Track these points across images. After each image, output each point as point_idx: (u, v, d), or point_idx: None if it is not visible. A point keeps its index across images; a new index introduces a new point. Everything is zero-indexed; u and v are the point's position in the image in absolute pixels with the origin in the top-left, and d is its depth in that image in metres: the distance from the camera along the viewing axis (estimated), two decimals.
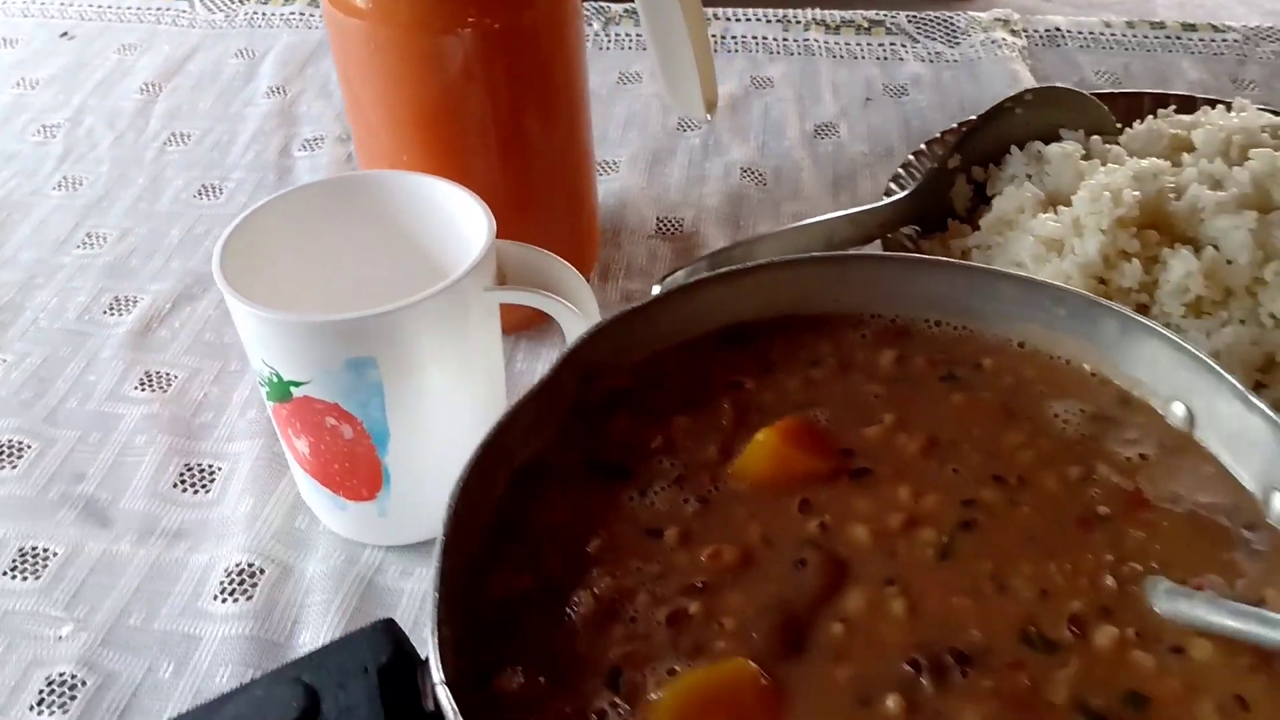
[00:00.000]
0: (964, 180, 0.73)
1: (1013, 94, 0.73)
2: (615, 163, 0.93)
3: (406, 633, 0.41)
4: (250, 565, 0.61)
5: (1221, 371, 0.46)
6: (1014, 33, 1.07)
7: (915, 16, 1.10)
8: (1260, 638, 0.38)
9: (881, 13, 1.10)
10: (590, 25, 1.08)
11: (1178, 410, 0.49)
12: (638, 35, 1.06)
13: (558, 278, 0.58)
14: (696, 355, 0.54)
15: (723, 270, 0.55)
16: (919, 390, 0.52)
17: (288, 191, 0.62)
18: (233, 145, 0.97)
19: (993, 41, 1.05)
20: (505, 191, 0.67)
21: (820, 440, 0.49)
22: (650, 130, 0.98)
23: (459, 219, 0.60)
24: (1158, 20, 1.08)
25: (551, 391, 0.49)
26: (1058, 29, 1.08)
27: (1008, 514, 0.46)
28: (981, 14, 1.09)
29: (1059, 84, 0.78)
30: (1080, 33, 1.08)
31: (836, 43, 1.07)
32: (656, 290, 0.55)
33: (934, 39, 1.05)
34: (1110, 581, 0.43)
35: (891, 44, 1.05)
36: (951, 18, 1.09)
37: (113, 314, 0.80)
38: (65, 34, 1.15)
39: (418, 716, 0.37)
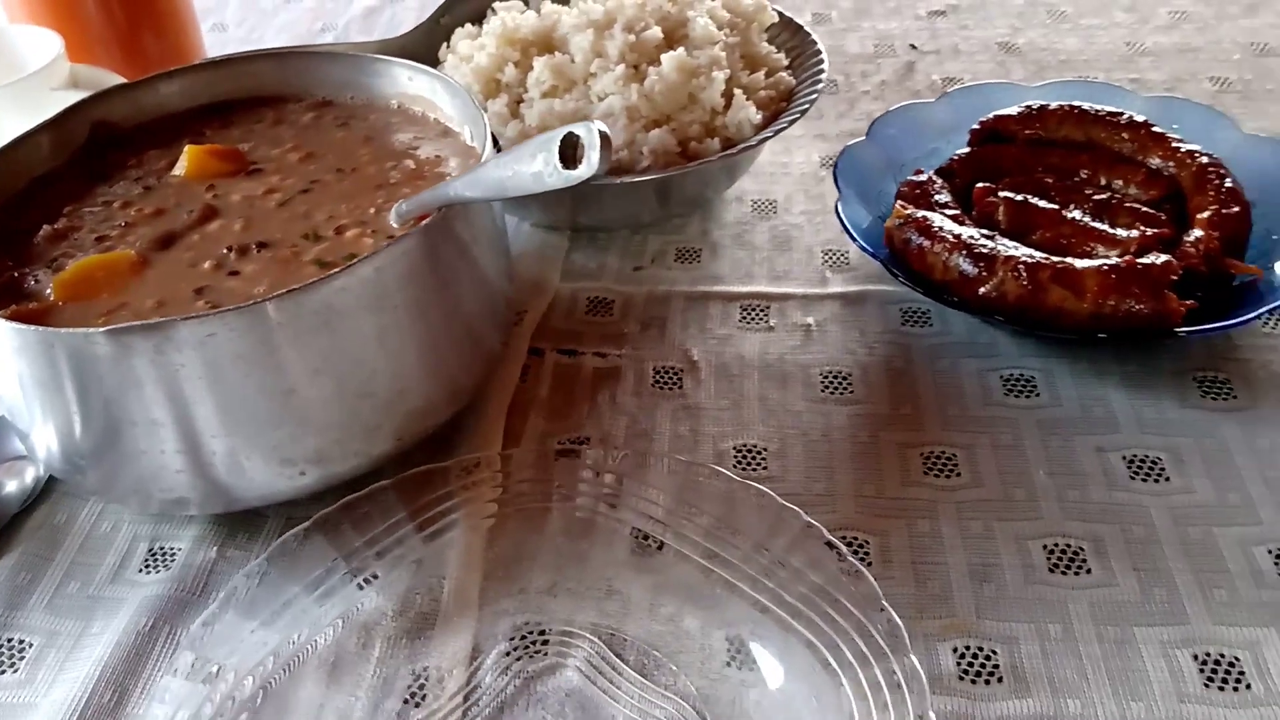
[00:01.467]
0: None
1: None
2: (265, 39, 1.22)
3: None
4: None
5: (476, 105, 0.75)
6: None
7: None
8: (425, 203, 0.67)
9: None
10: None
11: (467, 132, 0.78)
12: None
13: (94, 80, 0.87)
14: (181, 118, 0.83)
15: (204, 62, 0.84)
16: (319, 132, 0.81)
17: None
18: None
19: None
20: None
21: (235, 156, 0.78)
22: (299, 34, 1.27)
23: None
24: None
25: (64, 132, 0.78)
26: None
27: (335, 186, 0.75)
28: None
29: None
30: None
31: None
32: None
33: None
34: (373, 212, 0.72)
35: None
36: None
37: None
38: None
39: None
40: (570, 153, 0.51)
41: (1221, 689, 0.56)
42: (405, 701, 0.57)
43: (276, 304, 0.57)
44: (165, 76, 0.82)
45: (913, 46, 1.18)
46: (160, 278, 0.66)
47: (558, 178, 0.51)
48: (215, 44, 1.16)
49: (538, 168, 0.53)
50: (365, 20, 1.29)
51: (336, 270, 0.59)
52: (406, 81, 0.80)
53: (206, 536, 0.67)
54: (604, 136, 0.49)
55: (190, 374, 0.58)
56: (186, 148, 0.76)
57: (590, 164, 0.49)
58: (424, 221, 0.63)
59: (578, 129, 0.50)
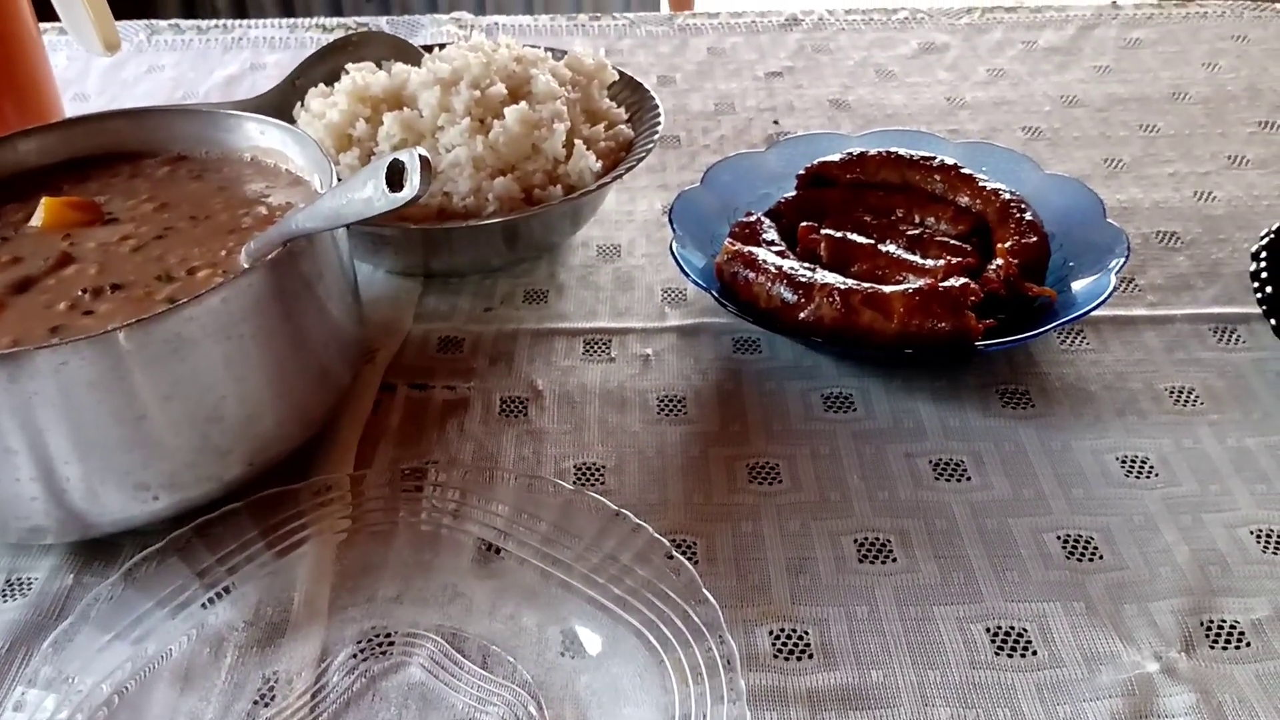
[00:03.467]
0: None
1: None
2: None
3: None
4: None
5: (324, 154, 0.80)
6: (461, 26, 1.44)
7: (394, 19, 1.46)
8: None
9: (365, 20, 1.46)
10: None
11: (316, 180, 0.83)
12: None
13: None
14: (39, 174, 0.86)
15: (61, 120, 0.88)
16: (174, 184, 0.85)
17: None
18: None
19: (444, 31, 1.42)
20: None
21: (91, 207, 0.81)
22: (160, 102, 1.30)
23: None
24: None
25: None
26: (495, 24, 1.46)
27: (189, 231, 0.79)
28: (441, 15, 1.47)
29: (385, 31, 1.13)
30: (512, 26, 1.46)
31: (325, 38, 1.42)
32: None
33: (399, 31, 1.41)
34: (224, 254, 0.76)
35: None
36: (419, 19, 1.46)
37: None
38: None
39: None
40: (397, 178, 0.56)
41: (1010, 656, 0.62)
42: (255, 703, 0.60)
43: (127, 333, 0.61)
44: (23, 135, 0.85)
45: (775, 122, 1.25)
46: (16, 319, 0.69)
47: (385, 200, 0.56)
48: (76, 112, 1.19)
49: (368, 193, 0.58)
50: (226, 88, 1.33)
51: (185, 301, 0.62)
52: (258, 135, 0.85)
53: (63, 565, 0.69)
54: (424, 160, 0.54)
55: (43, 402, 0.61)
56: (43, 200, 0.79)
57: (412, 185, 0.55)
58: (269, 256, 0.67)
59: (401, 155, 0.56)
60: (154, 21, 1.47)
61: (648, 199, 1.07)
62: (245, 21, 1.48)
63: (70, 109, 1.16)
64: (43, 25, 1.08)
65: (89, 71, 1.37)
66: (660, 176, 1.11)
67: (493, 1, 3.50)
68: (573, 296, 0.94)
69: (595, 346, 0.88)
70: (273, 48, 1.43)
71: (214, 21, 1.48)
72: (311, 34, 1.45)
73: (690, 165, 1.13)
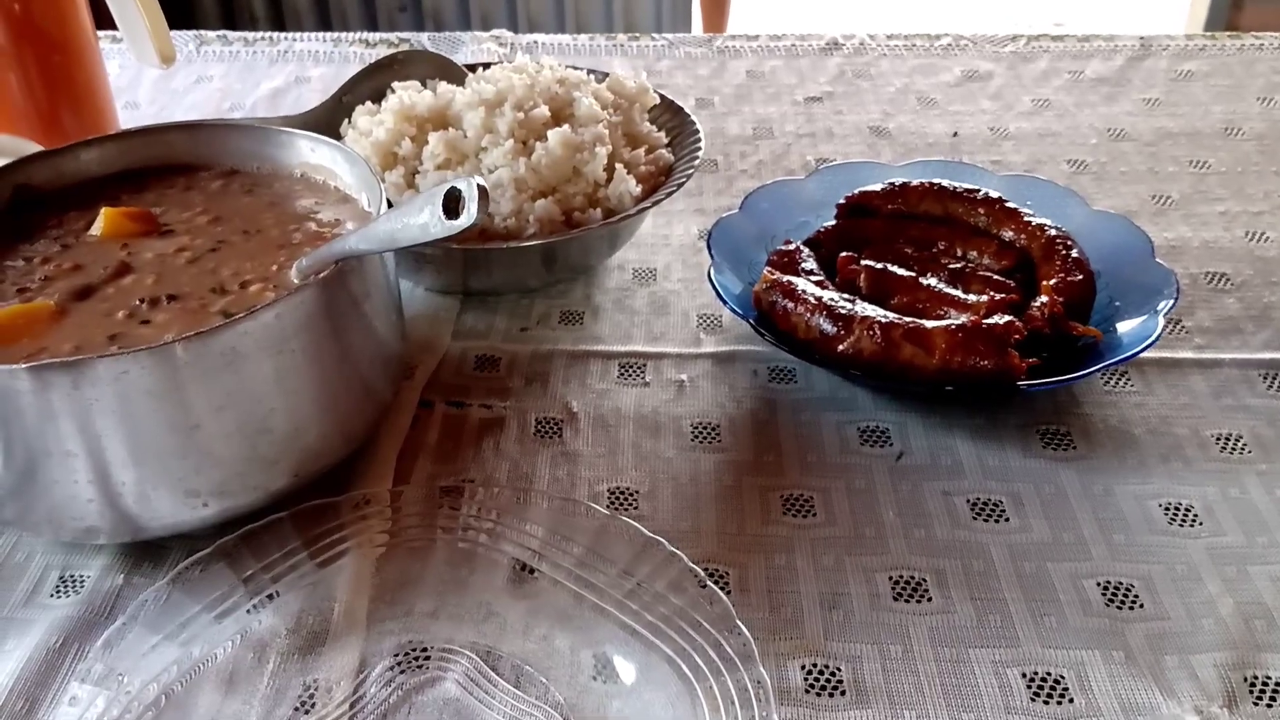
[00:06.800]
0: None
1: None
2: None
3: None
4: None
5: (373, 173, 0.82)
6: (502, 44, 1.47)
7: (435, 36, 1.49)
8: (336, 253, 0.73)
9: (407, 35, 1.49)
10: None
11: (364, 198, 0.85)
12: None
13: (15, 149, 0.93)
14: (99, 183, 0.89)
15: (120, 131, 0.90)
16: (227, 198, 0.87)
17: None
18: None
19: (484, 49, 1.45)
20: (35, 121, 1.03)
21: (148, 218, 0.84)
22: (208, 113, 1.33)
23: None
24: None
25: None
26: (535, 41, 1.49)
27: (241, 245, 0.81)
28: (482, 32, 1.49)
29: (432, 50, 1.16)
30: (551, 45, 1.49)
31: (367, 53, 1.45)
32: None
33: (440, 49, 1.44)
34: (275, 268, 0.78)
35: None
36: (459, 36, 1.49)
37: None
38: None
39: None
40: (453, 205, 0.59)
41: (1046, 703, 0.63)
42: (296, 709, 0.62)
43: (184, 345, 0.63)
44: (84, 145, 0.87)
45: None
46: (77, 325, 0.72)
47: (441, 227, 0.58)
48: (128, 120, 1.22)
49: (424, 219, 0.60)
50: (272, 100, 1.35)
51: (240, 315, 0.65)
52: (309, 152, 0.87)
53: (114, 565, 0.72)
54: (482, 190, 0.57)
55: (103, 409, 0.63)
56: (103, 210, 0.82)
57: (470, 214, 0.57)
58: (321, 274, 0.69)
59: (459, 183, 0.58)
60: (203, 32, 1.50)
61: (684, 223, 1.09)
62: (290, 35, 1.51)
63: (122, 117, 1.18)
64: (98, 34, 1.11)
65: (140, 81, 1.40)
66: (697, 201, 1.13)
67: (526, 17, 3.53)
68: (608, 319, 0.96)
69: (630, 370, 0.90)
70: (317, 61, 1.46)
71: (260, 34, 1.51)
72: (355, 49, 1.48)
73: (728, 190, 1.15)
